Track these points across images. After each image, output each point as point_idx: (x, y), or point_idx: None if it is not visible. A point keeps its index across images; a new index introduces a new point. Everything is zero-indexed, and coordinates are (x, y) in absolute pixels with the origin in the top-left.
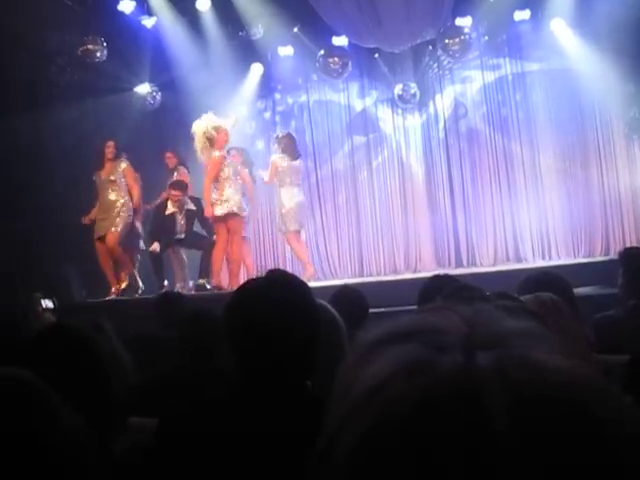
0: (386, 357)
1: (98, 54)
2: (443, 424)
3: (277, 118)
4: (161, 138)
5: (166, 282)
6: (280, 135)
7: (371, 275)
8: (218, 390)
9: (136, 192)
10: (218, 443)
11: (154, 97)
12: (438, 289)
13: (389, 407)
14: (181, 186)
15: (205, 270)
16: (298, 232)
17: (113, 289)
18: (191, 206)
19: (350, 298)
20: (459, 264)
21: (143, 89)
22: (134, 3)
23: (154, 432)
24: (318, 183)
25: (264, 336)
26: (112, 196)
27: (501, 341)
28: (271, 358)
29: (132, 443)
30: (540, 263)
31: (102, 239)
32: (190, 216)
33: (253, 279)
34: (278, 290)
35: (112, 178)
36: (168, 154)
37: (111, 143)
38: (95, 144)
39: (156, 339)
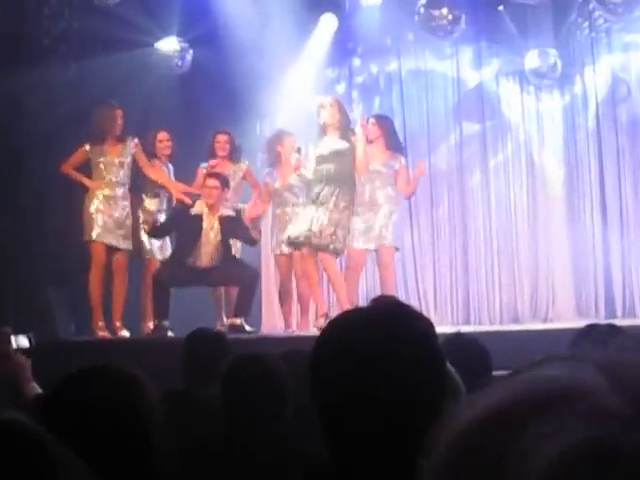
0: (546, 441)
1: None
2: None
3: (354, 94)
4: (190, 111)
5: (167, 323)
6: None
7: (481, 323)
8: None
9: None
10: None
11: (183, 56)
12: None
13: None
14: (222, 179)
15: (243, 305)
16: None
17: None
18: (230, 212)
19: (466, 352)
20: (610, 314)
21: (169, 45)
22: None
23: None
24: None
25: (368, 399)
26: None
27: None
28: (377, 429)
29: None
30: None
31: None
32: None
33: (352, 310)
34: (389, 330)
35: (120, 160)
36: (221, 137)
37: (119, 113)
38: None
39: (186, 395)
